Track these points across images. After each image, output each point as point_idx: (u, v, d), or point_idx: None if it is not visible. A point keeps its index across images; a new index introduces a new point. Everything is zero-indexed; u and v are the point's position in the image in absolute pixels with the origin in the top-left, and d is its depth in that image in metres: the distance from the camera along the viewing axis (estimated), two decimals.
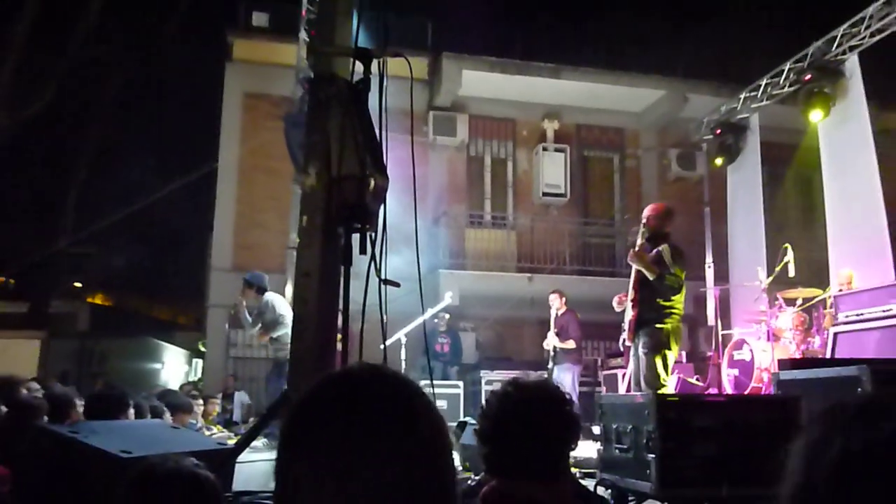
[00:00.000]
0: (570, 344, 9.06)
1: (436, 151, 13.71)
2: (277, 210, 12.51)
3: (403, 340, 8.32)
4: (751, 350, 8.37)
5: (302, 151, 4.67)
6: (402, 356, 8.42)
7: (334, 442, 0.85)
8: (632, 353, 6.09)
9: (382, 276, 3.54)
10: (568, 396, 2.11)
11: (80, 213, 20.43)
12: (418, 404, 0.92)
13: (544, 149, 14.02)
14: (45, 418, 4.03)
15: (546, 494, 1.96)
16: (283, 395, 3.59)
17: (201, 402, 8.92)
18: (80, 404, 4.75)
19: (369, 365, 0.96)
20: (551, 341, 9.01)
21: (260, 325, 7.84)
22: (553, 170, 13.83)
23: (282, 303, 7.97)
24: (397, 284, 3.71)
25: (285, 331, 7.54)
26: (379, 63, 3.60)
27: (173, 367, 21.65)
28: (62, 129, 20.43)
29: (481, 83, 13.53)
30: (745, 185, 11.22)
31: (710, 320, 10.65)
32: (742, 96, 11.01)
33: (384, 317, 3.59)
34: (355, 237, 3.30)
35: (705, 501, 3.43)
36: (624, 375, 8.47)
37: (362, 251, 3.24)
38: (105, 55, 18.82)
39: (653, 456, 3.31)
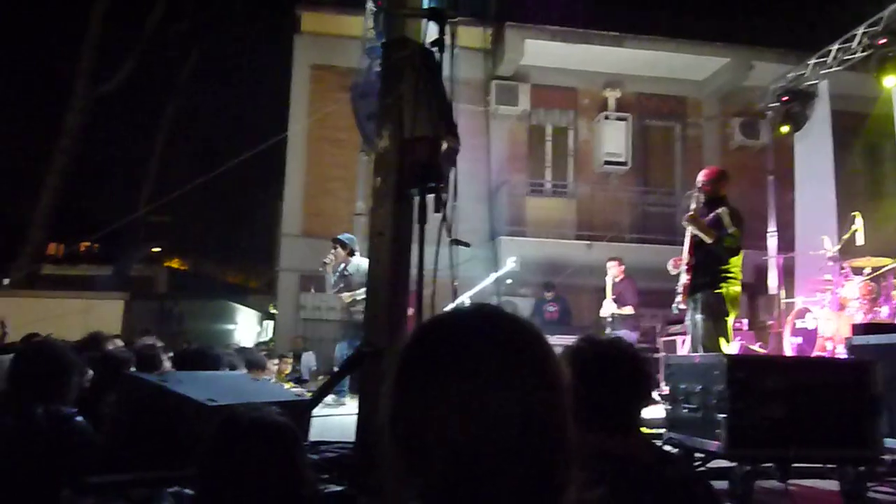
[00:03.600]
0: (628, 310, 8.94)
1: (497, 121, 13.58)
2: (344, 178, 12.63)
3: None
4: (815, 319, 8.11)
5: (368, 121, 4.67)
6: None
7: (459, 377, 0.84)
8: (687, 317, 5.95)
9: (453, 237, 3.52)
10: (639, 353, 2.07)
11: (158, 181, 21.00)
12: (538, 342, 0.90)
13: (606, 117, 13.77)
14: (133, 370, 4.17)
15: (619, 446, 1.93)
16: (357, 351, 3.62)
17: (276, 360, 9.11)
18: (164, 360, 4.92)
19: (486, 304, 0.95)
20: (608, 308, 8.90)
21: (342, 285, 7.90)
22: (614, 138, 13.58)
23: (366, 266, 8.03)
24: (467, 244, 3.70)
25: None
26: (447, 28, 3.55)
27: (246, 327, 22.23)
28: (142, 102, 20.97)
29: (543, 52, 13.30)
30: (813, 153, 10.78)
31: (772, 289, 10.35)
32: (810, 63, 10.53)
33: (455, 276, 3.58)
34: (429, 198, 3.29)
35: (773, 461, 3.34)
36: (683, 342, 8.32)
37: (436, 210, 3.22)
38: (181, 30, 19.18)
39: (722, 416, 3.23)
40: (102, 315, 13.72)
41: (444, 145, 3.37)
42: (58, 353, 2.94)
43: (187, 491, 2.45)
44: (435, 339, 0.91)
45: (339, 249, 7.92)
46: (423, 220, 3.22)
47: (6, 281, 18.08)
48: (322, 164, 13.52)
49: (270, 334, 20.99)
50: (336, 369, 7.69)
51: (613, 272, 9.01)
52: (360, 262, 7.84)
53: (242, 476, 1.95)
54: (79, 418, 2.84)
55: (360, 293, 7.72)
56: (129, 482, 2.56)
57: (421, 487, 0.85)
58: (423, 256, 3.22)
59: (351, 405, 6.87)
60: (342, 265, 7.90)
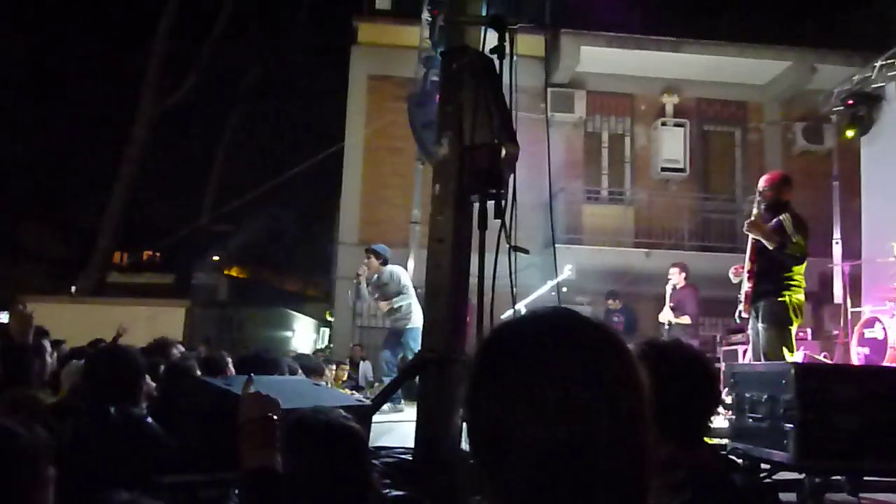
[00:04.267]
0: (686, 319, 8.74)
1: (553, 128, 13.49)
2: (401, 187, 12.72)
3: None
4: (884, 328, 7.81)
5: (424, 130, 4.70)
6: None
7: (541, 377, 0.84)
8: (749, 326, 5.80)
9: (512, 243, 3.52)
10: (707, 358, 2.02)
11: (220, 192, 21.50)
12: (618, 344, 0.90)
13: (663, 123, 13.58)
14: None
15: (689, 455, 1.89)
16: (418, 356, 3.64)
17: (333, 366, 9.22)
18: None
19: (560, 307, 0.95)
20: (666, 315, 8.73)
21: (378, 294, 7.97)
22: (672, 145, 13.38)
23: (403, 274, 8.07)
24: (527, 251, 3.69)
25: (407, 301, 7.69)
26: (507, 35, 3.56)
27: (303, 335, 22.55)
28: (205, 114, 21.53)
29: (599, 59, 13.19)
30: (881, 157, 10.41)
31: (837, 298, 10.01)
32: (877, 64, 10.20)
33: (514, 282, 3.57)
34: (488, 205, 3.30)
35: (844, 474, 3.23)
36: (745, 352, 8.11)
37: (496, 216, 3.22)
38: (242, 44, 19.67)
39: (791, 426, 3.14)
40: (165, 322, 14.10)
41: (504, 152, 3.37)
42: (129, 357, 3.04)
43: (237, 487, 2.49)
44: (516, 340, 0.91)
45: (373, 259, 7.97)
46: (483, 226, 3.23)
47: (74, 289, 18.78)
48: (379, 173, 13.66)
49: (326, 341, 21.25)
50: (385, 377, 7.76)
51: (675, 279, 8.84)
52: (393, 270, 7.91)
53: (310, 478, 1.98)
54: (149, 420, 2.93)
55: (397, 301, 7.78)
56: (199, 483, 2.62)
57: (503, 491, 0.85)
58: (483, 263, 3.22)
59: (408, 412, 6.90)
60: (376, 275, 7.97)
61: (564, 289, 10.62)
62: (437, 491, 2.82)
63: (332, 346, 15.22)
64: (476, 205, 3.61)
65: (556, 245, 11.96)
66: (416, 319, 7.56)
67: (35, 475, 1.82)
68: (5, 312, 12.09)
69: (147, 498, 1.63)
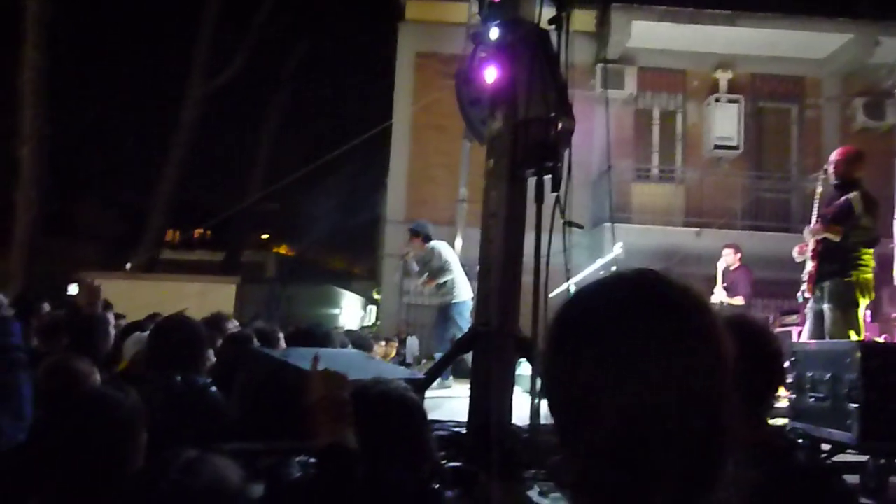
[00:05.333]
0: (738, 300, 8.59)
1: (602, 105, 13.31)
2: (448, 165, 12.69)
3: (571, 291, 8.20)
4: None
5: (472, 107, 4.67)
6: None
7: (624, 340, 0.83)
8: (808, 306, 5.66)
9: (566, 218, 3.49)
10: (773, 332, 1.99)
11: (268, 171, 21.76)
12: (705, 309, 0.88)
13: (716, 100, 13.27)
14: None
15: (753, 433, 1.86)
16: (471, 330, 3.66)
17: (382, 342, 9.31)
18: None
19: (648, 269, 0.92)
20: (718, 296, 8.59)
21: (426, 273, 7.98)
22: (725, 122, 13.07)
23: (447, 251, 8.02)
24: (581, 226, 3.67)
25: (451, 277, 7.70)
26: (566, 4, 3.52)
27: (350, 312, 22.81)
28: (252, 94, 21.76)
29: (651, 34, 12.93)
30: None
31: None
32: None
33: (569, 259, 3.55)
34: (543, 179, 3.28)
35: None
36: (799, 333, 7.94)
37: (553, 189, 3.20)
38: (288, 23, 19.78)
39: (855, 406, 3.07)
40: (216, 298, 14.38)
41: (560, 126, 3.33)
42: (193, 327, 3.12)
43: (313, 460, 2.54)
44: (598, 302, 0.90)
45: (416, 239, 7.96)
46: (540, 200, 3.21)
47: (128, 265, 19.27)
48: (426, 151, 13.67)
49: (373, 319, 21.43)
50: (437, 354, 7.78)
51: (728, 259, 8.69)
52: (435, 247, 7.87)
53: (369, 446, 2.00)
54: (213, 389, 3.00)
55: (442, 277, 7.77)
56: (260, 451, 2.69)
57: (582, 455, 0.85)
58: (539, 237, 3.20)
59: (456, 388, 6.94)
60: (422, 253, 7.97)
61: (613, 268, 10.55)
62: (491, 462, 2.83)
63: (379, 323, 15.37)
64: (530, 180, 3.59)
65: (605, 224, 11.91)
66: (462, 294, 7.62)
67: (133, 438, 1.91)
68: (74, 285, 12.52)
69: (213, 455, 1.67)
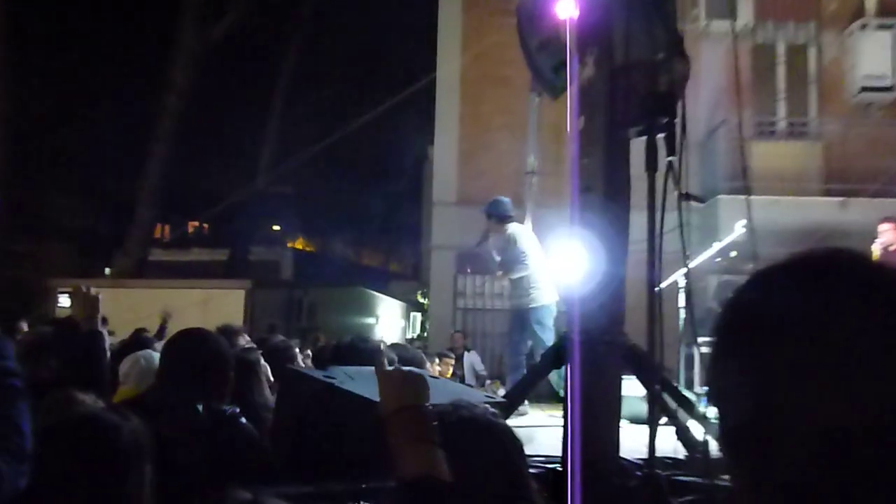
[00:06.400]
0: None
1: (710, 41, 13.13)
2: (511, 127, 12.67)
3: (681, 285, 7.98)
4: None
5: (541, 51, 4.66)
6: (681, 304, 8.14)
7: (821, 345, 0.83)
8: None
9: (683, 190, 3.48)
10: None
11: (278, 148, 21.89)
12: None
13: (862, 27, 13.01)
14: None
15: None
16: (560, 338, 3.67)
17: (436, 359, 9.37)
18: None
19: (842, 250, 0.92)
20: None
21: (507, 264, 7.78)
22: (875, 55, 12.83)
23: (526, 236, 7.85)
24: (701, 200, 3.66)
25: (527, 273, 7.52)
26: None
27: (388, 321, 22.93)
28: (257, 50, 21.94)
29: None
30: None
31: None
32: None
33: (686, 243, 3.53)
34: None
35: None
36: None
37: (669, 153, 3.20)
38: None
39: None
40: (222, 307, 14.68)
41: (673, 69, 3.33)
42: (216, 344, 3.19)
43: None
44: (796, 293, 0.90)
45: (493, 220, 7.79)
46: (652, 167, 3.20)
47: (108, 270, 19.71)
48: (481, 111, 13.67)
49: (418, 329, 21.53)
50: (513, 372, 7.75)
51: (888, 237, 8.54)
52: (513, 231, 7.64)
53: (455, 487, 2.01)
54: (243, 420, 3.08)
55: (516, 272, 7.59)
56: (311, 495, 2.75)
57: (768, 498, 0.86)
58: (653, 217, 3.20)
59: (533, 414, 6.94)
60: (500, 239, 7.79)
61: (733, 253, 10.42)
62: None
63: (426, 334, 15.46)
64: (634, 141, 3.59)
65: (720, 196, 11.79)
66: (543, 296, 7.47)
67: (134, 469, 1.98)
68: (64, 296, 12.92)
69: (271, 497, 1.71)
